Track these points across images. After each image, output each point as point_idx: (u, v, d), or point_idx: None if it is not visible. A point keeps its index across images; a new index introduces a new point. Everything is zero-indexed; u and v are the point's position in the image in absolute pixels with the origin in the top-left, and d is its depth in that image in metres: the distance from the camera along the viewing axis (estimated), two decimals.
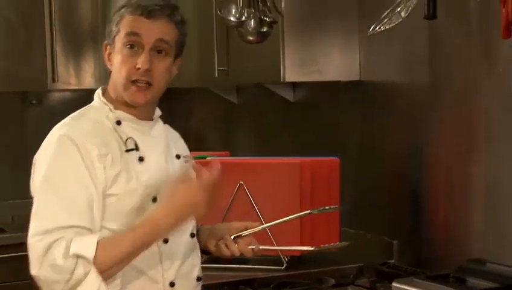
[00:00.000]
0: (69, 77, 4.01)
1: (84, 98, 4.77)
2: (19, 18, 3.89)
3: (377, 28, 2.20)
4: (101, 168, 1.91)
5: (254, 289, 2.49)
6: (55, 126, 2.01)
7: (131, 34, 1.97)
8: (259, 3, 2.81)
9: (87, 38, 4.06)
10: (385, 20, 2.18)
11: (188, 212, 1.93)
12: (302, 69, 2.92)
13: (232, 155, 3.18)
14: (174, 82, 3.86)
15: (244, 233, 2.28)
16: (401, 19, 2.16)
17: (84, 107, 2.09)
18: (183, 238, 2.05)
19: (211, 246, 2.34)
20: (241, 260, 2.58)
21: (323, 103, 3.23)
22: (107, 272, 1.84)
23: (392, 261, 2.75)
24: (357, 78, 2.98)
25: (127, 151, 1.96)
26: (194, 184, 1.90)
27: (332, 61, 2.95)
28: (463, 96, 2.53)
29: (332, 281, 2.57)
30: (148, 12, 1.97)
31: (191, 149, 4.13)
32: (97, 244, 1.83)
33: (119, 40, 1.99)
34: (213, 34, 3.26)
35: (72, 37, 4.01)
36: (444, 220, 2.62)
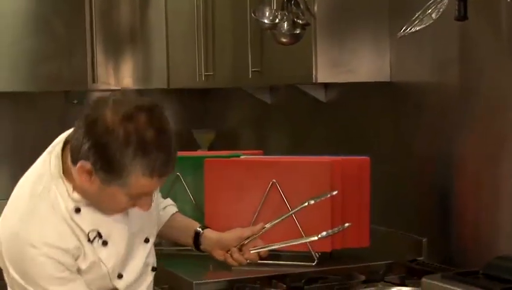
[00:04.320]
0: (108, 77, 4.05)
1: None
2: (60, 20, 3.93)
3: (408, 29, 2.15)
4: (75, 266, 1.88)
5: (286, 284, 2.47)
6: (8, 224, 1.86)
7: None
8: (293, 5, 2.79)
9: (126, 40, 4.11)
10: (416, 22, 2.13)
11: None
12: (333, 70, 2.89)
13: (265, 154, 3.16)
14: (209, 83, 3.90)
15: (247, 241, 2.33)
16: (431, 21, 2.11)
17: (35, 185, 1.88)
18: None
19: (218, 257, 2.37)
20: (274, 256, 2.62)
21: (354, 103, 3.21)
22: None
23: (422, 258, 2.73)
24: (387, 79, 2.95)
25: (90, 241, 1.88)
26: None
27: (364, 62, 2.92)
28: (493, 97, 2.49)
29: (363, 277, 2.54)
30: None
31: (225, 148, 4.17)
32: None
33: None
34: (247, 36, 3.25)
35: (111, 39, 4.05)
36: (472, 219, 2.59)
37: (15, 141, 4.22)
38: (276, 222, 2.53)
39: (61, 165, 1.85)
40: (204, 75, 3.63)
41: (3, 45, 3.82)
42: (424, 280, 1.67)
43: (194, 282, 2.50)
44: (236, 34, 3.38)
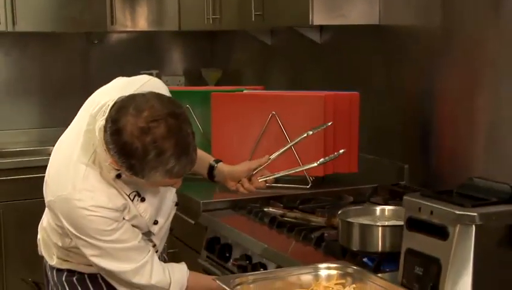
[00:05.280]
0: (125, 20, 4.16)
1: (138, 38, 4.94)
2: None
3: None
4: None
5: (283, 204, 2.57)
6: (60, 189, 1.93)
7: None
8: None
9: None
10: None
11: None
12: (328, 14, 2.94)
13: (265, 89, 3.24)
14: (216, 25, 3.91)
15: (255, 172, 2.49)
16: None
17: (81, 152, 1.94)
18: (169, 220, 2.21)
19: (231, 187, 2.54)
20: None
21: (346, 44, 3.27)
22: None
23: (404, 182, 2.81)
24: (376, 22, 3.01)
25: (131, 200, 1.99)
26: None
27: (355, 7, 2.97)
28: (472, 39, 2.54)
29: (351, 199, 2.64)
30: None
31: (230, 84, 4.24)
32: None
33: None
34: None
35: None
36: (450, 147, 2.67)
37: (42, 77, 4.34)
38: (280, 152, 2.65)
39: (103, 137, 1.86)
40: (212, 18, 3.70)
41: None
42: (405, 197, 1.81)
43: (201, 201, 2.63)
44: None
